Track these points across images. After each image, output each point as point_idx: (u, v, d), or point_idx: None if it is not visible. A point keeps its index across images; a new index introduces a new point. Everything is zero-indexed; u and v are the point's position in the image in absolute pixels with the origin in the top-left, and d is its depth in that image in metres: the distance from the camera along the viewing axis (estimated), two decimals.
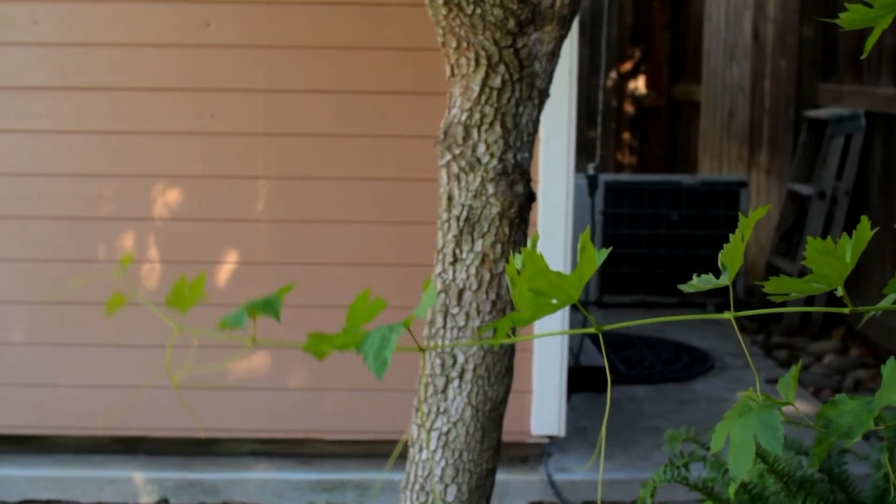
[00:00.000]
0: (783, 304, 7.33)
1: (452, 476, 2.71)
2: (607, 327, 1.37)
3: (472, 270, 2.62)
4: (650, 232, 7.91)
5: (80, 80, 4.65)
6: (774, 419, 1.31)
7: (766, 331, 7.34)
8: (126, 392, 4.76)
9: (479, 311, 2.65)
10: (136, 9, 4.63)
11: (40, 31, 4.62)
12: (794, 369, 1.40)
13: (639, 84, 12.24)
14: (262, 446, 4.89)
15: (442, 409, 2.69)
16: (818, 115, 7.52)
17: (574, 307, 5.33)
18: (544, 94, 2.63)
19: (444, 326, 2.67)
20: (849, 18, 1.34)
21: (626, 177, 9.55)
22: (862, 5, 1.34)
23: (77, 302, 4.71)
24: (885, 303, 1.38)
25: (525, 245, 2.57)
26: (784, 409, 1.39)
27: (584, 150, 8.66)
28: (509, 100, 2.55)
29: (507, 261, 2.58)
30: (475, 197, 2.58)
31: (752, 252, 8.53)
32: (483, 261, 2.61)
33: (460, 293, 2.63)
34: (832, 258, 1.29)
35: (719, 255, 1.41)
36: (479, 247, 2.60)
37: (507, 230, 2.59)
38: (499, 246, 2.61)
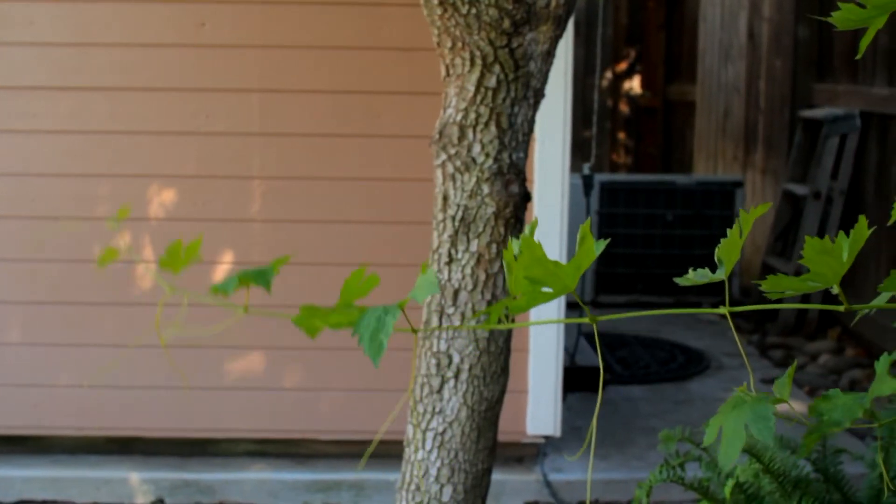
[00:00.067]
0: (779, 302, 7.33)
1: (448, 476, 2.71)
2: (602, 318, 1.37)
3: (468, 270, 2.62)
4: (645, 232, 7.91)
5: (76, 81, 4.65)
6: (766, 410, 1.32)
7: (762, 331, 7.34)
8: (122, 392, 4.76)
9: (474, 311, 2.65)
10: (132, 9, 4.63)
11: (37, 31, 4.62)
12: (790, 369, 1.40)
13: (634, 84, 12.25)
14: (258, 446, 4.89)
15: (437, 410, 2.69)
16: (813, 115, 7.52)
17: (570, 306, 5.32)
18: (539, 94, 2.63)
19: (440, 326, 2.67)
20: (842, 18, 1.34)
21: (621, 177, 9.55)
22: (855, 6, 1.34)
23: (74, 302, 4.70)
24: (879, 301, 1.38)
25: None
26: (779, 408, 1.39)
27: (579, 149, 8.67)
28: (504, 100, 2.56)
29: (503, 261, 2.59)
30: (470, 197, 2.59)
31: (747, 252, 8.54)
32: (478, 261, 2.61)
33: (456, 293, 2.63)
34: (829, 257, 1.30)
35: (716, 249, 1.41)
36: (474, 247, 2.60)
37: (502, 230, 2.59)
38: (494, 246, 2.61)
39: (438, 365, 2.68)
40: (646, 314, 1.36)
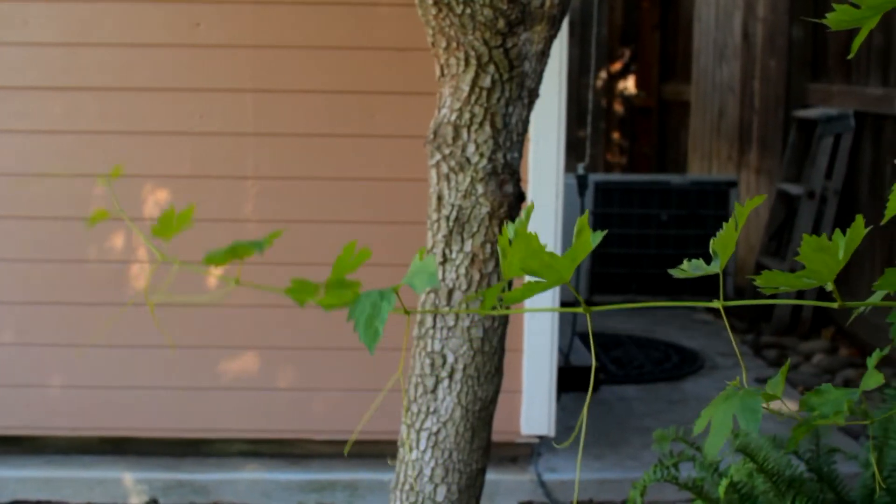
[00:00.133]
0: (773, 298, 7.33)
1: (442, 476, 2.71)
2: (597, 308, 1.37)
3: (462, 270, 2.62)
4: (640, 232, 7.91)
5: (69, 81, 4.64)
6: (755, 402, 1.32)
7: (756, 330, 7.35)
8: (116, 392, 4.76)
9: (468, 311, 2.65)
10: (125, 9, 4.63)
11: (30, 32, 4.61)
12: (784, 367, 1.40)
13: (629, 84, 12.25)
14: (252, 446, 4.89)
15: (432, 409, 2.69)
16: (807, 115, 7.53)
17: (563, 306, 5.33)
18: (534, 94, 2.63)
19: (434, 326, 2.68)
20: (836, 19, 1.35)
21: (615, 177, 9.56)
22: (849, 6, 1.34)
23: (67, 302, 4.70)
24: (873, 299, 1.39)
25: None
26: (773, 405, 1.39)
27: (573, 149, 8.67)
28: (499, 100, 2.56)
29: (497, 261, 2.59)
30: (465, 197, 2.59)
31: (741, 252, 8.54)
32: (473, 261, 2.61)
33: (450, 293, 2.63)
34: (825, 255, 1.30)
35: (711, 241, 1.41)
36: (468, 247, 2.60)
37: (496, 230, 2.59)
38: (488, 246, 2.61)
39: (433, 365, 2.68)
40: (641, 306, 1.36)
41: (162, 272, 4.72)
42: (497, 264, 2.61)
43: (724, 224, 1.39)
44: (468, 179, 2.58)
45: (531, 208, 1.38)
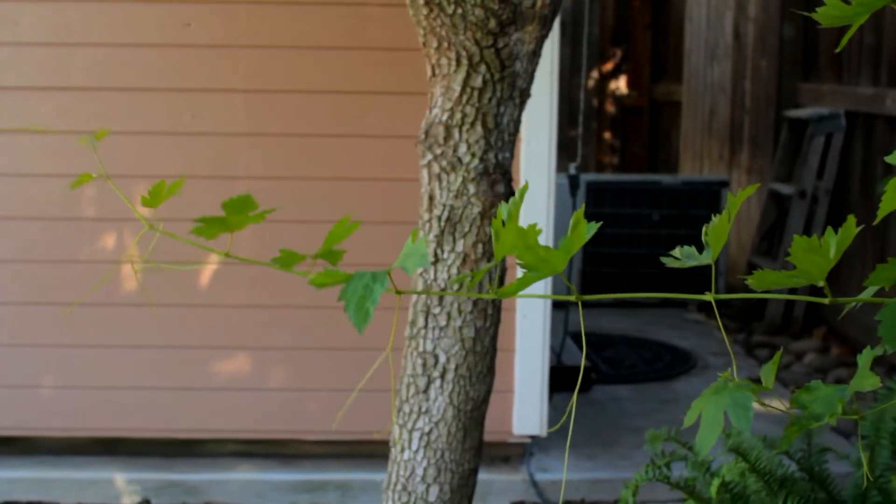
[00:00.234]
0: (764, 299, 7.34)
1: (434, 476, 2.71)
2: (588, 297, 1.38)
3: (454, 271, 2.62)
4: (631, 231, 7.92)
5: (60, 81, 4.64)
6: (746, 398, 1.33)
7: (748, 330, 7.35)
8: (108, 393, 4.75)
9: (460, 311, 2.65)
10: (116, 9, 4.62)
11: (21, 31, 4.61)
12: (775, 356, 1.41)
13: (620, 84, 12.26)
14: (245, 447, 4.89)
15: (424, 409, 2.69)
16: (799, 115, 7.54)
17: (556, 306, 5.30)
18: (525, 94, 2.63)
19: (426, 326, 2.67)
20: (826, 15, 1.35)
21: (607, 176, 9.56)
22: (840, 2, 1.34)
23: (59, 303, 4.69)
24: (864, 295, 1.39)
25: None
26: (763, 406, 1.39)
27: (565, 149, 8.67)
28: (490, 100, 2.56)
29: (489, 261, 2.59)
30: (456, 197, 2.59)
31: (733, 251, 8.55)
32: (464, 261, 2.61)
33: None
34: (816, 255, 1.30)
35: (703, 230, 1.41)
36: (460, 247, 2.60)
37: (488, 230, 2.59)
38: (480, 246, 2.61)
39: (424, 365, 2.68)
40: (633, 296, 1.36)
41: (153, 277, 4.72)
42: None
43: (717, 215, 1.39)
44: (460, 179, 2.58)
45: (525, 188, 1.38)
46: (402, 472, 2.73)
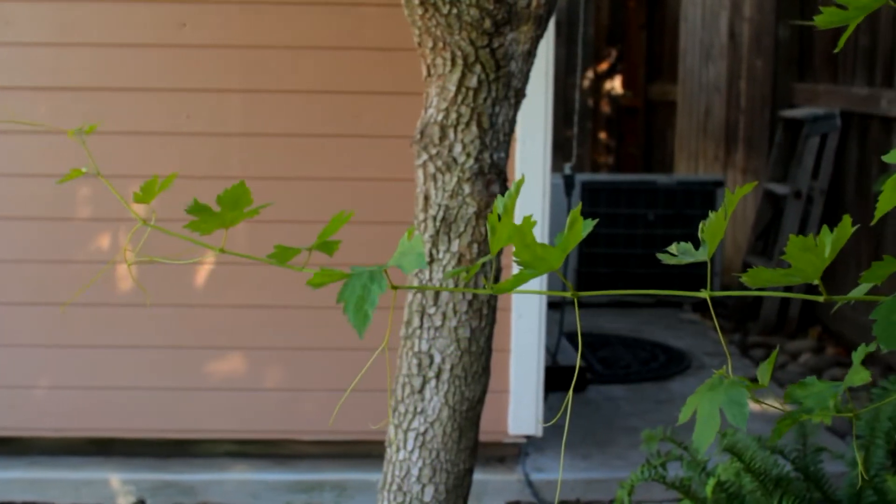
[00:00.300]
0: (760, 299, 7.35)
1: (430, 476, 2.71)
2: (584, 293, 1.38)
3: (449, 270, 2.62)
4: (626, 231, 7.92)
5: (54, 81, 4.63)
6: (741, 395, 1.33)
7: (743, 330, 7.36)
8: (102, 393, 4.75)
9: (455, 311, 2.65)
10: (112, 9, 4.62)
11: (14, 32, 4.60)
12: (772, 355, 1.41)
13: (615, 84, 12.26)
14: (239, 447, 4.88)
15: (419, 409, 2.69)
16: (794, 115, 7.54)
17: (551, 306, 5.30)
18: (520, 94, 2.63)
19: (421, 326, 2.67)
20: (824, 21, 1.35)
21: (602, 176, 9.56)
22: (836, 8, 1.35)
23: (52, 303, 4.69)
24: (857, 292, 1.39)
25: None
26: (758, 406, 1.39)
27: (560, 149, 8.68)
28: (485, 100, 2.56)
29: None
30: (452, 197, 2.59)
31: (728, 251, 8.56)
32: (460, 260, 2.61)
33: (437, 293, 2.63)
34: (811, 254, 1.30)
35: (700, 226, 1.41)
36: (455, 247, 2.60)
37: (483, 230, 2.59)
38: (475, 246, 2.61)
39: (420, 365, 2.68)
40: (628, 293, 1.36)
41: (147, 277, 4.71)
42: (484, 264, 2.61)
43: (713, 213, 1.39)
44: (455, 179, 2.58)
45: (521, 181, 1.38)
46: (397, 472, 2.73)
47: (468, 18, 2.47)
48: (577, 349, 6.19)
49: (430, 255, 2.62)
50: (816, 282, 1.34)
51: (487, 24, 2.48)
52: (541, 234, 4.62)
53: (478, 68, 2.53)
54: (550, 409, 5.27)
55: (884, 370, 6.12)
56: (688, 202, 7.91)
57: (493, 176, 2.59)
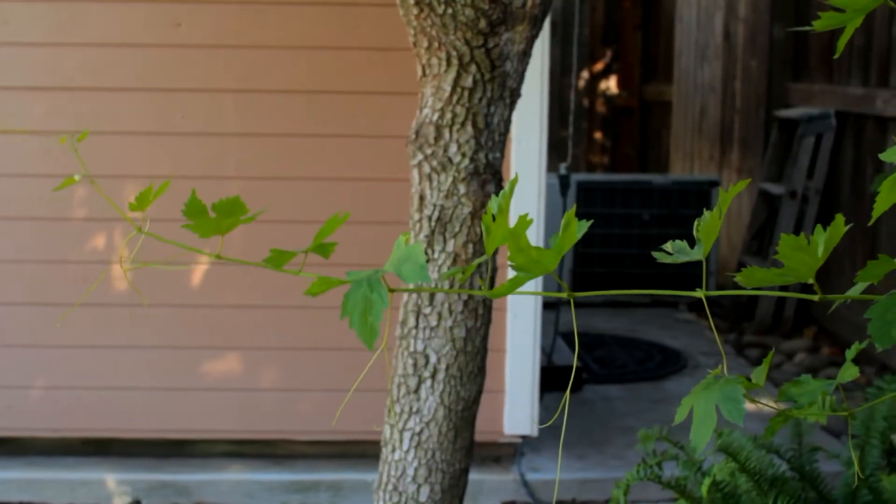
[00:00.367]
0: (755, 299, 7.35)
1: (425, 476, 2.71)
2: (580, 294, 1.38)
3: (444, 270, 2.62)
4: (622, 231, 7.92)
5: (50, 81, 4.63)
6: (736, 392, 1.33)
7: (738, 330, 7.36)
8: (99, 393, 4.75)
9: (451, 311, 2.65)
10: (106, 9, 4.62)
11: (10, 32, 4.60)
12: (767, 356, 1.41)
13: (610, 84, 12.27)
14: (235, 447, 4.88)
15: (415, 409, 2.69)
16: (789, 115, 7.55)
17: (546, 306, 5.30)
18: (516, 94, 2.63)
19: (417, 326, 2.68)
20: (822, 25, 1.35)
21: (597, 176, 9.57)
22: (834, 11, 1.35)
23: (49, 303, 4.69)
24: (853, 292, 1.39)
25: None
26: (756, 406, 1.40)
27: (555, 149, 8.68)
28: (481, 100, 2.56)
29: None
30: (447, 197, 2.59)
31: (723, 251, 8.56)
32: (455, 261, 2.61)
33: (432, 293, 2.63)
34: (804, 253, 1.30)
35: (695, 225, 1.42)
36: (450, 247, 2.60)
37: (478, 230, 2.59)
38: (470, 246, 2.61)
39: (415, 365, 2.68)
40: (624, 293, 1.37)
41: (142, 277, 4.71)
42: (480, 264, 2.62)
43: (708, 211, 1.40)
44: (450, 179, 2.58)
45: (515, 181, 1.39)
46: (393, 472, 2.73)
47: (463, 18, 2.47)
48: (572, 349, 6.19)
49: (426, 255, 2.62)
50: (811, 281, 1.34)
51: (483, 23, 2.48)
52: (536, 234, 4.62)
53: (473, 68, 2.53)
54: (546, 408, 5.28)
55: (879, 369, 6.12)
56: (683, 202, 7.91)
57: (489, 176, 2.60)
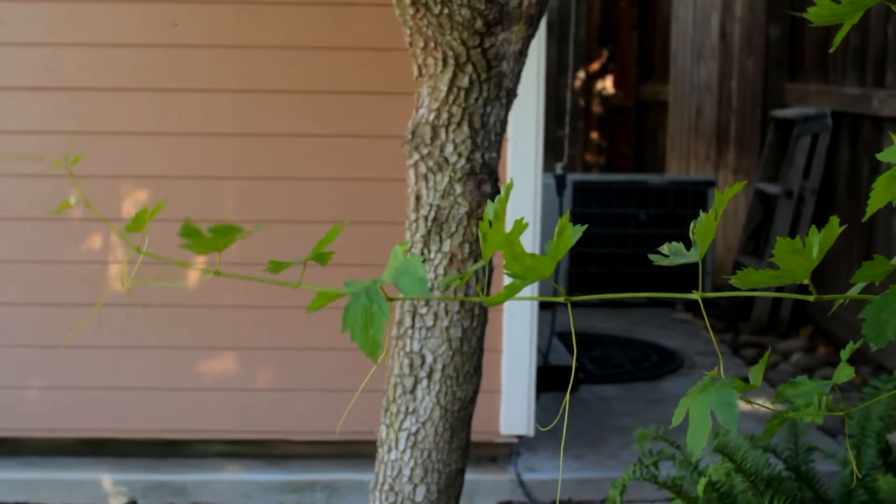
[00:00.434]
0: (751, 299, 7.36)
1: (421, 476, 2.71)
2: (577, 298, 1.38)
3: (441, 270, 2.62)
4: (618, 231, 7.92)
5: (47, 81, 4.63)
6: (731, 396, 1.33)
7: (734, 330, 7.37)
8: (95, 393, 4.74)
9: (447, 312, 2.65)
10: (103, 9, 4.62)
11: (7, 32, 4.60)
12: (764, 356, 1.41)
13: (607, 84, 12.27)
14: (231, 447, 4.88)
15: (411, 410, 2.69)
16: (785, 115, 7.55)
17: (542, 307, 5.30)
18: (512, 94, 2.63)
19: (413, 326, 2.68)
20: (817, 13, 1.35)
21: (594, 176, 9.57)
22: (831, 1, 1.35)
23: (45, 303, 4.68)
24: (851, 292, 1.40)
25: None
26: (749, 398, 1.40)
27: (552, 149, 8.68)
28: (477, 100, 2.56)
29: (475, 261, 2.59)
30: (443, 197, 2.59)
31: (720, 251, 8.57)
32: (451, 261, 2.61)
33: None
34: (799, 255, 1.31)
35: (691, 226, 1.42)
36: (447, 247, 2.60)
37: (474, 230, 2.59)
38: (467, 246, 2.61)
39: (412, 365, 2.68)
40: (621, 297, 1.37)
41: (142, 271, 4.71)
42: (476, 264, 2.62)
43: (704, 213, 1.40)
44: (446, 179, 2.58)
45: (510, 185, 1.39)
46: (389, 473, 2.73)
47: (459, 18, 2.47)
48: (568, 349, 6.19)
49: (422, 254, 2.62)
50: (806, 282, 1.34)
51: (479, 24, 2.48)
52: (532, 234, 4.62)
53: (469, 68, 2.53)
54: (542, 408, 5.28)
55: (875, 369, 6.13)
56: (679, 202, 7.91)
57: (485, 176, 2.60)
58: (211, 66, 4.65)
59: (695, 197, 7.92)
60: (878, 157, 1.38)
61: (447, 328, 2.65)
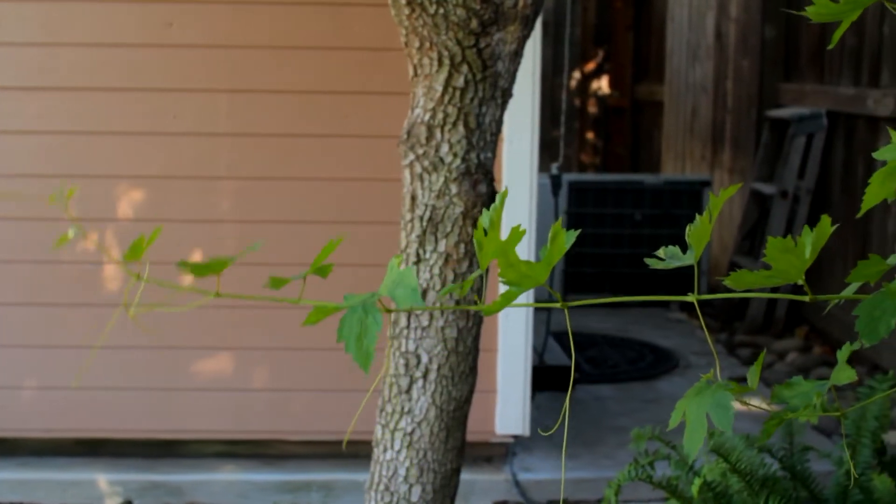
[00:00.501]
0: (746, 299, 7.36)
1: (417, 476, 2.71)
2: (574, 303, 1.38)
3: (436, 270, 2.62)
4: (614, 231, 7.93)
5: (43, 81, 4.62)
6: (726, 399, 1.33)
7: (730, 329, 7.37)
8: (90, 394, 4.74)
9: (442, 312, 2.65)
10: (99, 9, 4.61)
11: (2, 32, 4.59)
12: (759, 358, 1.41)
13: (602, 84, 12.27)
14: (228, 447, 4.88)
15: (406, 409, 2.70)
16: (780, 115, 7.55)
17: (538, 308, 5.31)
18: (507, 94, 2.63)
19: (408, 326, 2.68)
20: (816, 12, 1.35)
21: (589, 176, 9.57)
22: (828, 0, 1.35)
23: (41, 303, 4.68)
24: (847, 292, 1.40)
25: None
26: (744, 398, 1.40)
27: (547, 149, 8.68)
28: (472, 100, 2.56)
29: (471, 261, 2.59)
30: (438, 197, 2.59)
31: (715, 251, 8.57)
32: (446, 261, 2.61)
33: (424, 293, 2.63)
34: (791, 255, 1.31)
35: (686, 230, 1.42)
36: (442, 247, 2.61)
37: (470, 230, 2.60)
38: (462, 246, 2.61)
39: (407, 365, 2.68)
40: (618, 301, 1.37)
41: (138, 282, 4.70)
42: (471, 264, 2.62)
43: (699, 216, 1.40)
44: (442, 179, 2.58)
45: (505, 193, 1.39)
46: (384, 473, 2.73)
47: (455, 18, 2.47)
48: (564, 348, 6.19)
49: (417, 255, 2.63)
50: (800, 282, 1.34)
51: (474, 24, 2.49)
52: (529, 236, 4.62)
53: (465, 68, 2.53)
54: (538, 408, 5.28)
55: (870, 369, 6.13)
56: (675, 202, 7.92)
57: (480, 176, 2.60)
58: (207, 66, 4.65)
59: (690, 197, 7.92)
60: (875, 155, 1.38)
61: (442, 328, 2.66)
